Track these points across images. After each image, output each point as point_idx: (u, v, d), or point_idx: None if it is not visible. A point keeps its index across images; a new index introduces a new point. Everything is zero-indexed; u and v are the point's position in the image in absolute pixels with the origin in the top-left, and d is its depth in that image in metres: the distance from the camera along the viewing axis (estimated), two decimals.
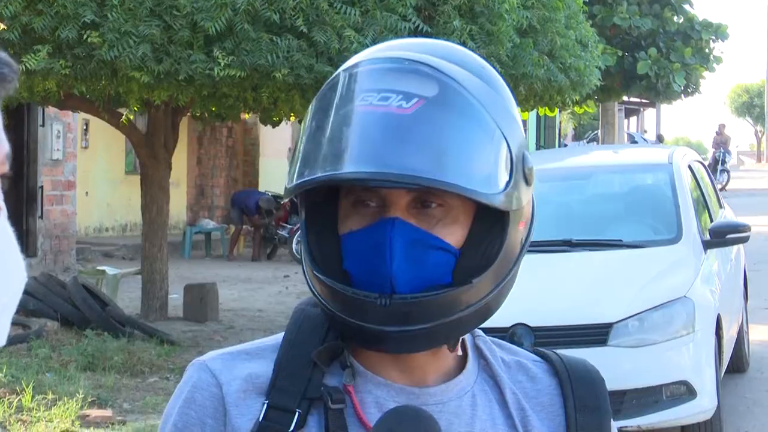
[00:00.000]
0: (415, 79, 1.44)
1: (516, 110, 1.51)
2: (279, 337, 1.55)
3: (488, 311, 1.50)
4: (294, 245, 19.34)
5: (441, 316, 1.45)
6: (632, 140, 35.87)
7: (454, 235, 1.46)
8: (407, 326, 1.44)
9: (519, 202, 1.47)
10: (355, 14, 9.31)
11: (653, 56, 24.69)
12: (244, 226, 20.72)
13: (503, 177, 1.44)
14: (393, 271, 1.44)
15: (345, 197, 1.49)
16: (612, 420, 1.58)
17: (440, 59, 1.48)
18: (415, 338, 1.44)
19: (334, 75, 1.50)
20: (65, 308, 10.85)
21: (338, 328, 1.49)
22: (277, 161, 25.26)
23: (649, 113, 49.76)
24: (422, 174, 1.38)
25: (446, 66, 1.47)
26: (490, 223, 1.47)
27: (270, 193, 21.08)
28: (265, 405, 1.48)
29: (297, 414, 1.46)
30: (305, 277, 1.53)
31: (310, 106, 1.50)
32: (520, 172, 1.47)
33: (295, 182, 1.44)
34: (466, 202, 1.46)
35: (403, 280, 1.44)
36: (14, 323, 10.17)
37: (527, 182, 1.48)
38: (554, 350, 1.62)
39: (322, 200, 1.51)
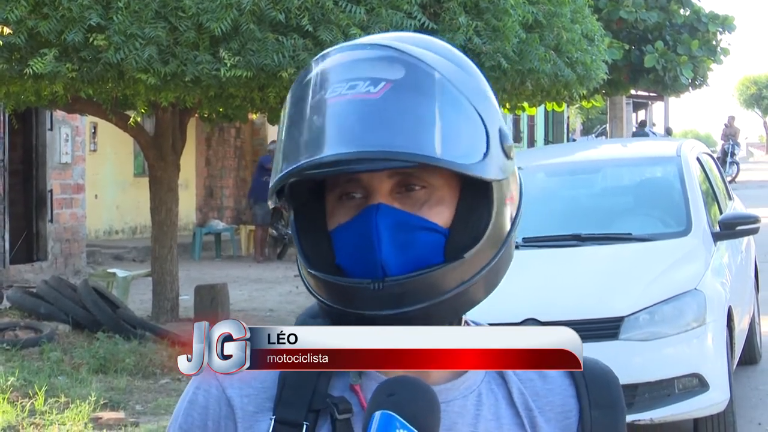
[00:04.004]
0: (381, 65, 1.45)
1: (490, 92, 1.51)
2: None
3: (483, 290, 1.50)
4: None
5: (435, 296, 1.45)
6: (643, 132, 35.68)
7: (441, 215, 1.47)
8: (403, 308, 1.44)
9: (500, 173, 1.47)
10: (360, 12, 9.31)
11: (660, 49, 24.63)
12: (271, 229, 20.28)
13: (479, 148, 1.45)
14: (382, 255, 1.44)
15: (330, 192, 1.50)
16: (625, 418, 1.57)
17: (407, 44, 1.48)
18: (412, 321, 1.43)
19: (303, 70, 1.51)
20: (76, 311, 10.86)
21: (337, 322, 1.48)
22: None
23: (658, 106, 49.66)
24: (395, 149, 1.39)
25: (412, 49, 1.47)
26: (476, 199, 1.47)
27: None
28: (273, 420, 1.48)
29: (305, 427, 1.46)
30: (301, 277, 1.53)
31: (284, 104, 1.50)
32: (497, 145, 1.47)
33: (276, 176, 1.45)
34: (450, 182, 1.47)
35: (393, 264, 1.45)
36: (26, 327, 10.18)
37: (507, 156, 1.49)
38: None
39: (307, 199, 1.51)
